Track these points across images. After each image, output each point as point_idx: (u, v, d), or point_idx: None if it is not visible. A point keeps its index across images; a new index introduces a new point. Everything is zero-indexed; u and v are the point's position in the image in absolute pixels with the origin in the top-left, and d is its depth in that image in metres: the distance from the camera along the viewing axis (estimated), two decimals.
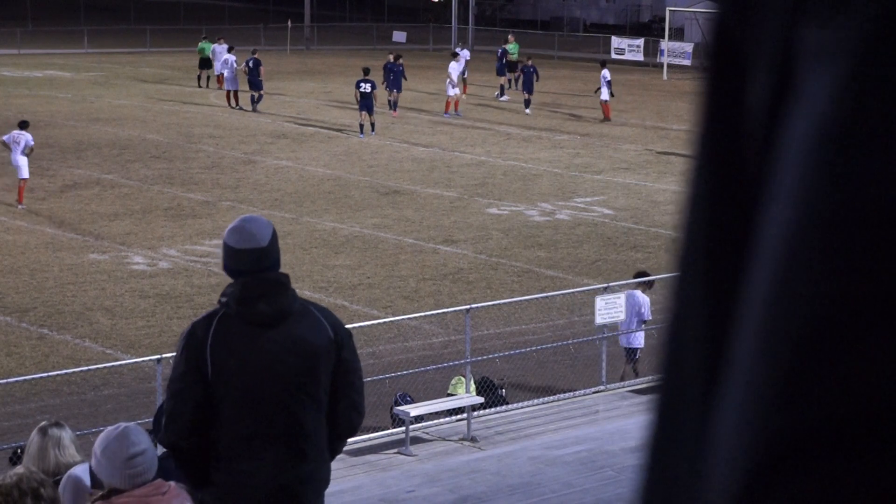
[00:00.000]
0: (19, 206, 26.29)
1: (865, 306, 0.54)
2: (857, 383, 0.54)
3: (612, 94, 40.59)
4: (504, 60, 48.24)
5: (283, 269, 19.45)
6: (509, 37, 51.54)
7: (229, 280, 5.53)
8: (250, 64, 42.98)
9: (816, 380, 0.55)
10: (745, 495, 0.56)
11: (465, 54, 46.64)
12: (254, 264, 5.41)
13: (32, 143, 26.97)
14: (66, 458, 6.13)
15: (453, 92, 41.08)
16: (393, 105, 40.62)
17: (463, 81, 45.62)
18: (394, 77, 40.59)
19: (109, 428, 5.47)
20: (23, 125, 27.56)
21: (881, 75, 0.55)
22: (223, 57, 44.79)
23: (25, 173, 26.49)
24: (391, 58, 41.92)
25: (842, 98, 0.56)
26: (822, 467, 0.54)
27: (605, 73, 40.62)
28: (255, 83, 42.29)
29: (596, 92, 41.36)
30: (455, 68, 41.43)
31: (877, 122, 0.55)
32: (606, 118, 40.47)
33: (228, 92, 43.06)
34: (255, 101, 42.49)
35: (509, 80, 48.17)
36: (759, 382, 0.57)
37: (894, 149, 0.54)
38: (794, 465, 0.55)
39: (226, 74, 43.61)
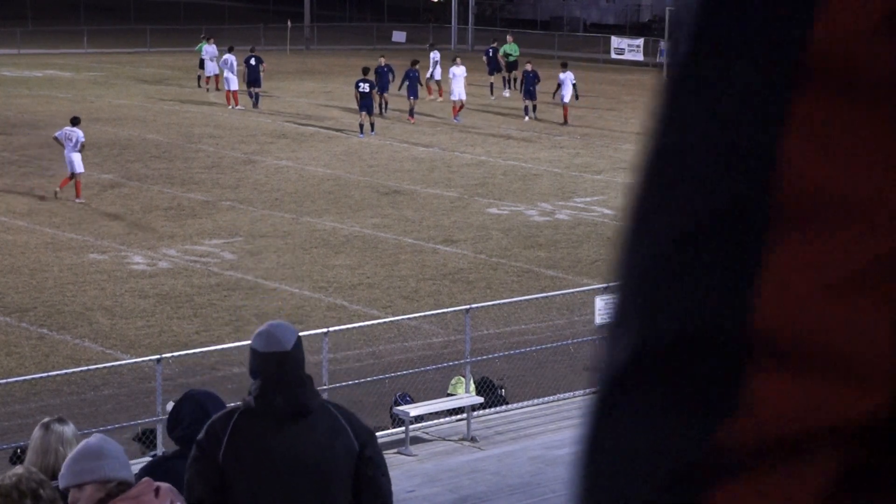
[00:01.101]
0: (77, 200, 27.03)
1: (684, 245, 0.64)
2: (680, 309, 0.64)
3: (576, 97, 40.30)
4: (495, 59, 48.22)
5: (283, 270, 19.43)
6: (508, 37, 51.44)
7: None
8: (251, 62, 43.06)
9: (652, 306, 0.65)
10: (601, 404, 0.67)
11: (435, 55, 46.09)
12: (277, 367, 5.49)
13: (83, 139, 27.63)
14: (68, 454, 6.12)
15: (458, 96, 40.56)
16: (410, 111, 40.02)
17: (437, 84, 45.27)
18: (410, 83, 39.96)
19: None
20: (74, 121, 28.25)
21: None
22: (222, 56, 44.79)
23: (80, 167, 27.28)
24: (382, 62, 41.33)
25: None
26: (656, 383, 0.64)
27: (570, 74, 39.97)
28: (256, 81, 42.48)
29: (555, 95, 40.63)
30: (459, 73, 40.75)
31: None
32: (566, 121, 39.87)
33: (228, 92, 43.07)
34: (256, 99, 42.72)
35: (507, 80, 48.17)
36: (619, 306, 0.68)
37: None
38: (635, 380, 0.65)
39: (226, 74, 43.61)
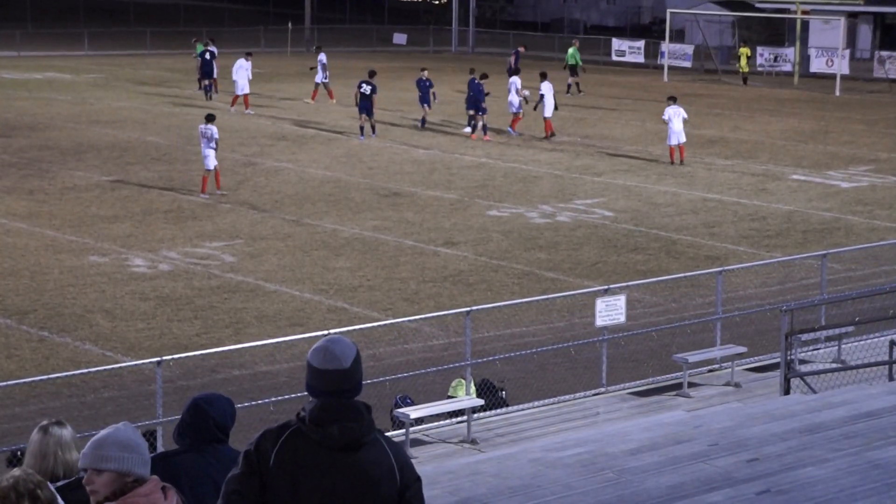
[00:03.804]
0: (218, 192, 28.34)
1: None
2: None
3: (554, 106, 38.17)
4: (515, 63, 48.26)
5: (283, 272, 19.40)
6: (574, 41, 52.89)
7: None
8: (206, 56, 43.86)
9: None
10: None
11: (322, 58, 44.82)
12: (335, 385, 5.48)
13: (217, 135, 28.66)
14: (67, 458, 6.10)
15: (518, 108, 38.54)
16: (482, 128, 37.42)
17: (325, 87, 44.38)
18: (474, 95, 37.43)
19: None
20: (209, 118, 29.19)
21: None
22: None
23: (213, 163, 28.43)
24: (424, 74, 39.36)
25: None
26: None
27: (549, 85, 38.06)
28: (209, 73, 43.45)
29: (535, 108, 38.48)
30: (517, 81, 38.66)
31: None
32: (551, 134, 37.85)
33: (236, 96, 42.94)
34: (209, 90, 43.73)
35: (571, 86, 49.81)
36: None
37: None
38: None
39: (235, 78, 43.47)
